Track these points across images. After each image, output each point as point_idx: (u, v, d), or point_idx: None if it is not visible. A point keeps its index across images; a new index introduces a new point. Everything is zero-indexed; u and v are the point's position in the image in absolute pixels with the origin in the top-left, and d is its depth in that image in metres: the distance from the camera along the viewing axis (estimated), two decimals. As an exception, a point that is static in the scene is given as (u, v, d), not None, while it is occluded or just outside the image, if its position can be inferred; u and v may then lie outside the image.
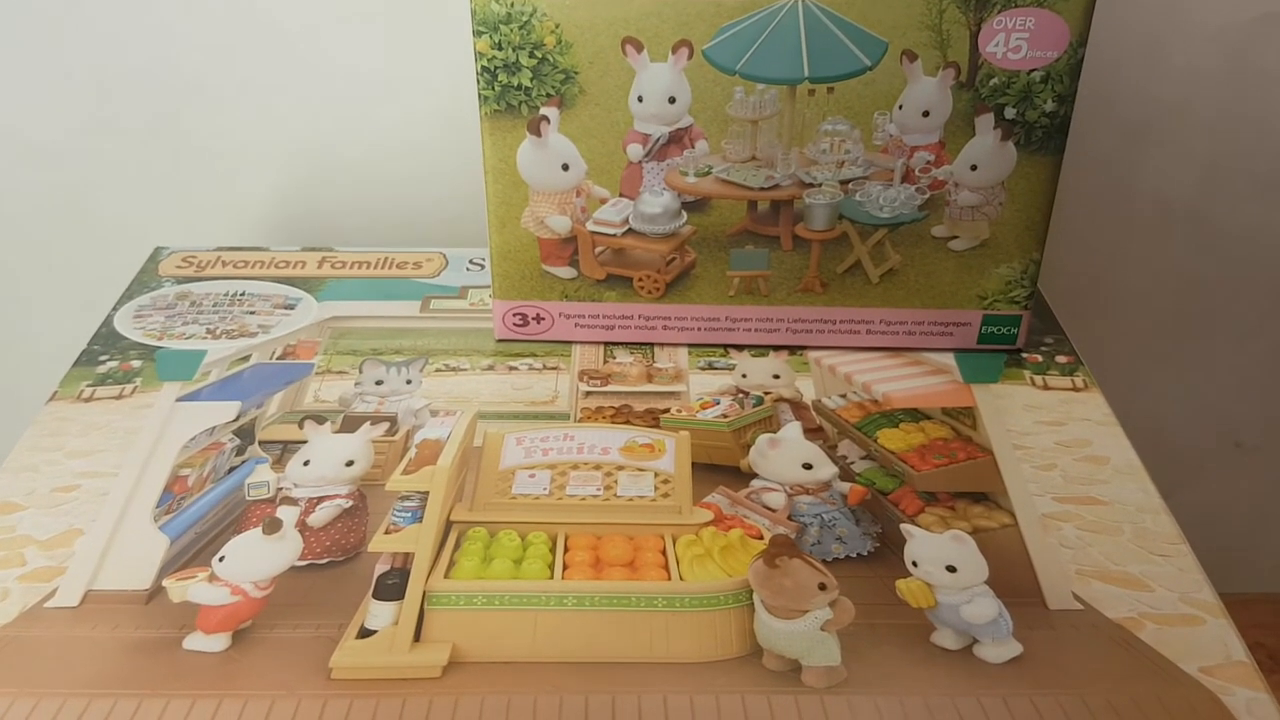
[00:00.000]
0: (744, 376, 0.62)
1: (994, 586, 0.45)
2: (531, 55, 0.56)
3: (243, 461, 0.55)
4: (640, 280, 0.62)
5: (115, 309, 0.67)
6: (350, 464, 0.53)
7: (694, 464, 0.53)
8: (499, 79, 0.57)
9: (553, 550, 0.48)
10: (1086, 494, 0.53)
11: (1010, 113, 0.56)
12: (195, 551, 0.50)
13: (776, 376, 0.62)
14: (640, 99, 0.57)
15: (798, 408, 0.60)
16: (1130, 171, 0.86)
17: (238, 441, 0.57)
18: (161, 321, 0.66)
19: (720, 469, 0.55)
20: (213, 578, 0.46)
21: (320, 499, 0.51)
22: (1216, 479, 1.01)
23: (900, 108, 0.56)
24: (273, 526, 0.47)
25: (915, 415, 0.59)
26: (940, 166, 0.58)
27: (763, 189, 0.59)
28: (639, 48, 0.55)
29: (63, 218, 0.86)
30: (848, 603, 0.44)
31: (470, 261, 0.73)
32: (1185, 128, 0.84)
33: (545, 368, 0.63)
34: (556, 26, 0.55)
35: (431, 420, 0.56)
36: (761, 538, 0.49)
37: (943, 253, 0.60)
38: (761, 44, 0.55)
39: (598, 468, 0.53)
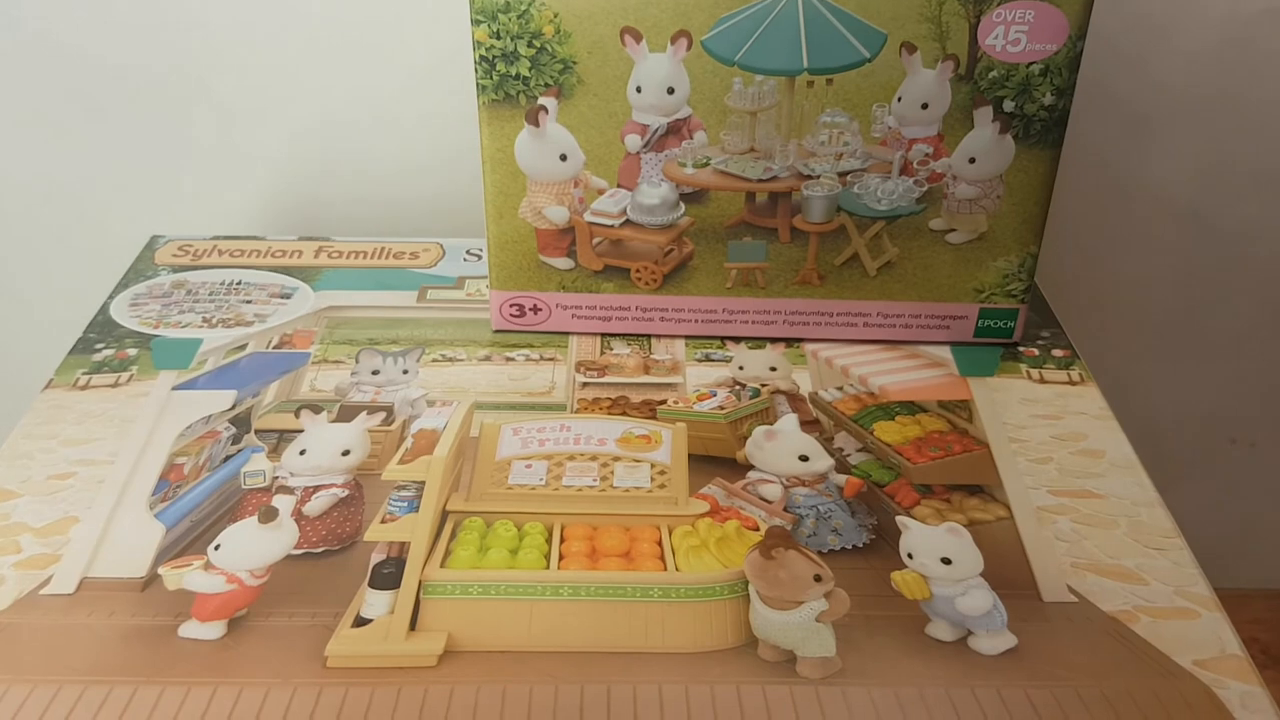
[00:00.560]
0: (741, 368, 0.62)
1: (989, 579, 0.45)
2: (530, 45, 0.56)
3: (239, 450, 0.55)
4: (638, 271, 0.62)
5: (111, 297, 0.67)
6: (346, 453, 0.53)
7: (690, 455, 0.53)
8: (497, 68, 0.56)
9: (549, 540, 0.48)
10: (1082, 487, 0.53)
11: (1009, 106, 0.56)
12: (191, 540, 0.50)
13: (773, 369, 0.62)
14: (639, 89, 0.57)
15: (794, 400, 0.60)
16: (1129, 166, 0.86)
17: (234, 430, 0.57)
18: (158, 310, 0.66)
19: (717, 460, 0.55)
20: (208, 566, 0.46)
21: (316, 488, 0.51)
22: (1212, 474, 1.01)
23: (899, 100, 0.56)
24: (268, 515, 0.47)
25: (912, 408, 0.59)
26: (938, 159, 0.58)
27: (761, 181, 0.59)
28: (638, 38, 0.55)
29: (59, 206, 0.86)
30: (843, 594, 0.44)
31: (467, 252, 0.73)
32: (1184, 122, 0.84)
33: (542, 358, 0.63)
34: (555, 16, 0.55)
35: (428, 410, 0.56)
36: (757, 529, 0.49)
37: (940, 246, 0.60)
38: (760, 35, 0.55)
39: (594, 458, 0.53)
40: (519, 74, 0.56)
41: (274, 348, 0.63)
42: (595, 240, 0.62)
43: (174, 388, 0.59)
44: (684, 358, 0.63)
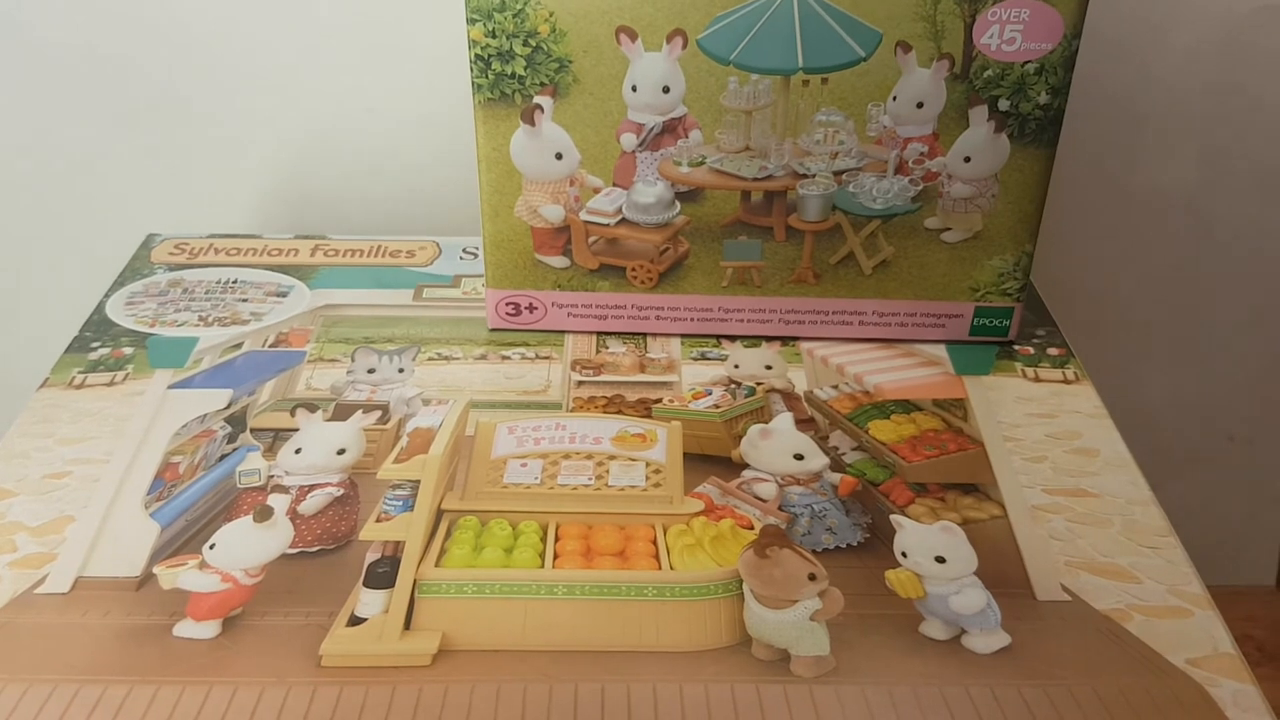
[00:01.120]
0: (736, 367, 0.62)
1: (983, 577, 0.45)
2: (525, 44, 0.56)
3: (234, 449, 0.55)
4: (633, 270, 0.62)
5: (107, 296, 0.67)
6: (342, 452, 0.53)
7: (685, 454, 0.53)
8: (493, 67, 0.56)
9: (544, 539, 0.48)
10: (1076, 486, 0.53)
11: (1004, 105, 0.56)
12: (186, 539, 0.50)
13: (769, 367, 0.62)
14: (634, 88, 0.57)
15: (789, 398, 0.60)
16: (1124, 164, 0.86)
17: (229, 429, 0.57)
18: (153, 308, 0.66)
19: (712, 459, 0.55)
20: (203, 565, 0.46)
21: (311, 487, 0.51)
22: (1207, 472, 1.02)
23: (894, 99, 0.56)
24: (264, 514, 0.47)
25: (907, 407, 0.59)
26: (934, 158, 0.58)
27: (756, 179, 0.59)
28: (633, 37, 0.55)
29: (55, 204, 0.86)
30: (837, 593, 0.44)
31: (463, 250, 0.73)
32: (1180, 120, 0.84)
33: (538, 357, 0.63)
34: (551, 15, 0.55)
35: (423, 409, 0.56)
36: (752, 528, 0.50)
37: (935, 244, 0.60)
38: (756, 34, 0.55)
39: (589, 457, 0.53)
40: (514, 73, 0.56)
41: (270, 346, 0.63)
42: (591, 239, 0.62)
43: (170, 386, 0.59)
44: (679, 356, 0.63)
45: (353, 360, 0.62)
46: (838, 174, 0.59)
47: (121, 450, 0.54)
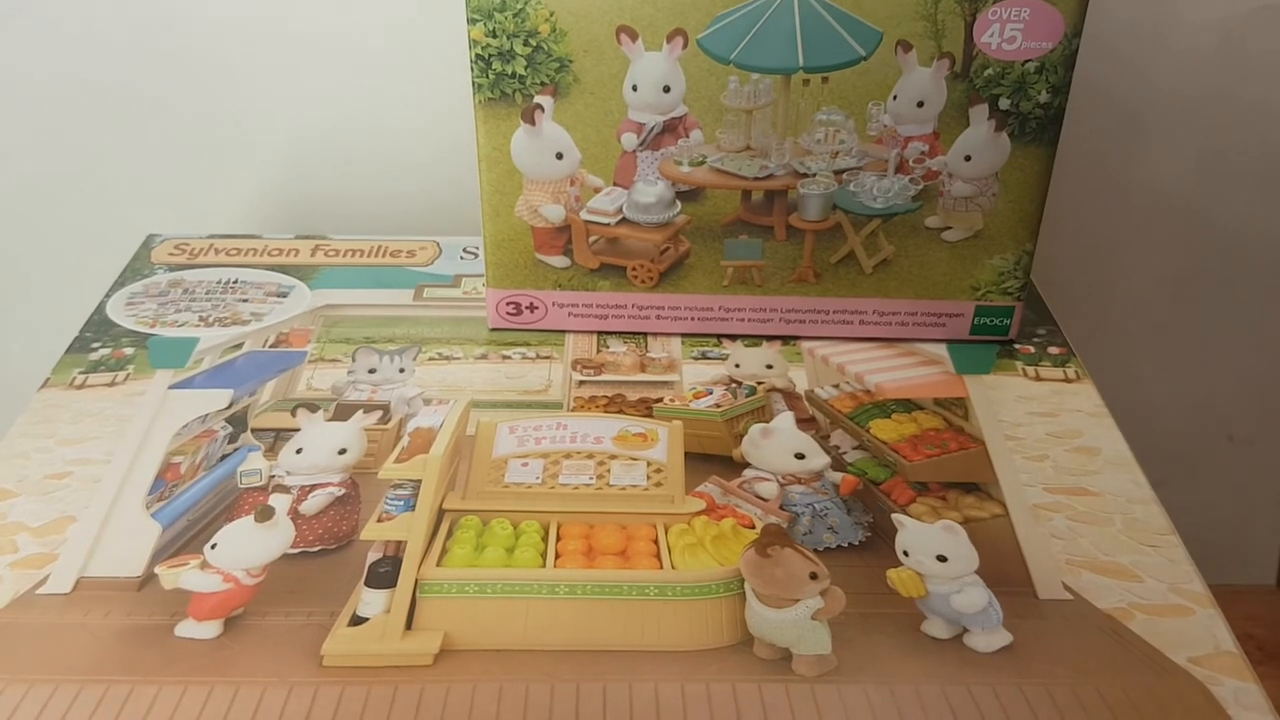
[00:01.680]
0: (737, 366, 0.62)
1: (984, 576, 0.45)
2: (526, 43, 0.56)
3: (235, 449, 0.55)
4: (634, 270, 0.62)
5: (107, 296, 0.67)
6: (343, 452, 0.53)
7: (687, 453, 0.53)
8: (493, 67, 0.56)
9: (545, 539, 0.48)
10: (1077, 485, 0.53)
11: (1005, 103, 0.56)
12: (188, 539, 0.50)
13: (769, 366, 0.62)
14: (635, 88, 0.57)
15: (790, 398, 0.60)
16: (1124, 163, 0.86)
17: (230, 429, 0.57)
18: (154, 309, 0.66)
19: (713, 458, 0.55)
20: (205, 565, 0.46)
21: (313, 487, 0.51)
22: (1208, 471, 1.02)
23: (895, 98, 0.56)
24: (265, 514, 0.47)
25: (907, 406, 0.59)
26: (934, 157, 0.58)
27: (757, 179, 0.59)
28: (634, 36, 0.55)
29: (55, 204, 0.86)
30: (839, 592, 0.44)
31: (464, 250, 0.73)
32: (1180, 119, 0.84)
33: (539, 357, 0.63)
34: (551, 15, 0.55)
35: (424, 409, 0.56)
36: (753, 527, 0.50)
37: (936, 243, 0.60)
38: (756, 33, 0.55)
39: (590, 457, 0.53)
40: (515, 72, 0.56)
41: (270, 346, 0.63)
42: (591, 238, 0.62)
43: (170, 387, 0.59)
44: (680, 356, 0.63)
45: (353, 360, 0.62)
46: (838, 173, 0.59)
47: (122, 450, 0.54)
